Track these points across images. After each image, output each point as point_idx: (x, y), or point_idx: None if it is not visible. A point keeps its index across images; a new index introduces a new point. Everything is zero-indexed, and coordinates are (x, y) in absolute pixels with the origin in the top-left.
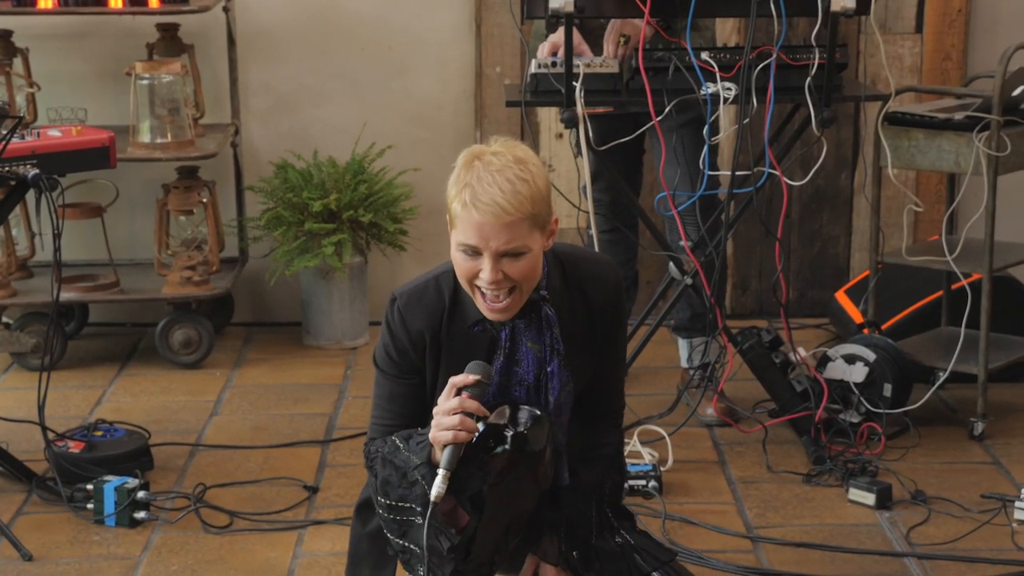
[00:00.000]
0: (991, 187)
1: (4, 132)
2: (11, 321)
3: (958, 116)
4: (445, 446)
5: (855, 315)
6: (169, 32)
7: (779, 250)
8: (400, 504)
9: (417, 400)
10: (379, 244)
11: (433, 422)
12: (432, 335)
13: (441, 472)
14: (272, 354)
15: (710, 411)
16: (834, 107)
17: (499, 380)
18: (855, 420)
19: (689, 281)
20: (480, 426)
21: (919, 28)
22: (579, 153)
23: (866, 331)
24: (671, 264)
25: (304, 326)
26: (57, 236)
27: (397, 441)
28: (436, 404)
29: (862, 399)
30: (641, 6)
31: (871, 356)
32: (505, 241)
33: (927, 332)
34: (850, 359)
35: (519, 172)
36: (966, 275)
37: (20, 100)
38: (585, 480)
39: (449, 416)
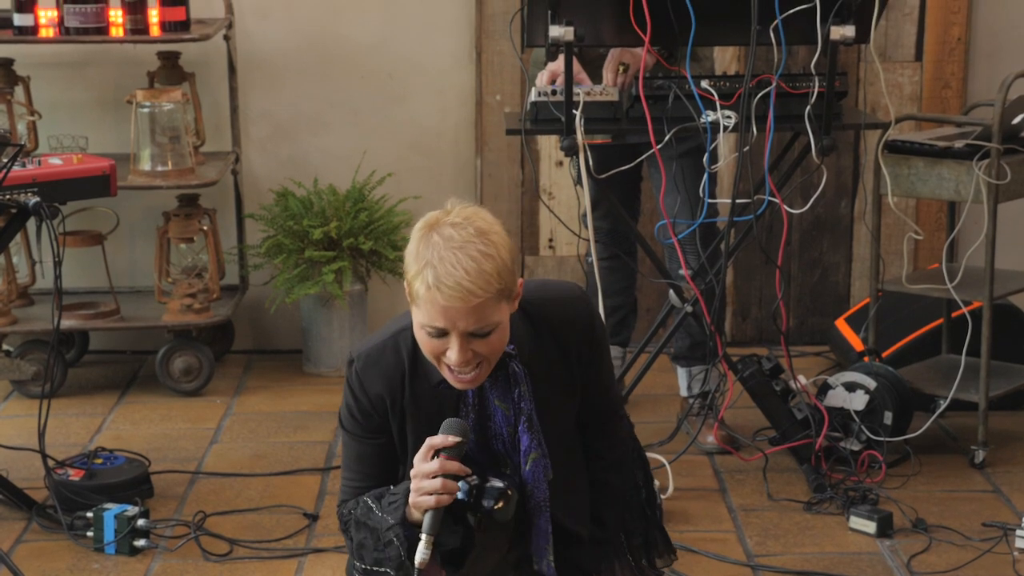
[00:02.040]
0: (991, 215)
1: (5, 160)
2: (11, 348)
3: (958, 144)
4: (426, 510)
5: (855, 343)
6: (170, 60)
7: (779, 278)
8: (375, 569)
9: (386, 460)
10: (379, 272)
11: (412, 486)
12: (392, 399)
13: (424, 537)
14: (272, 382)
15: (711, 439)
16: (834, 135)
17: (475, 437)
18: (856, 448)
19: (689, 309)
20: (461, 485)
21: (919, 56)
22: (579, 182)
23: (867, 359)
24: (671, 292)
25: (304, 353)
26: (58, 264)
27: (369, 502)
28: (409, 464)
29: (863, 427)
30: (641, 35)
31: (872, 384)
32: (474, 322)
33: (928, 360)
34: (850, 387)
35: (483, 248)
36: (967, 303)
37: (21, 128)
38: (614, 489)
39: (430, 480)
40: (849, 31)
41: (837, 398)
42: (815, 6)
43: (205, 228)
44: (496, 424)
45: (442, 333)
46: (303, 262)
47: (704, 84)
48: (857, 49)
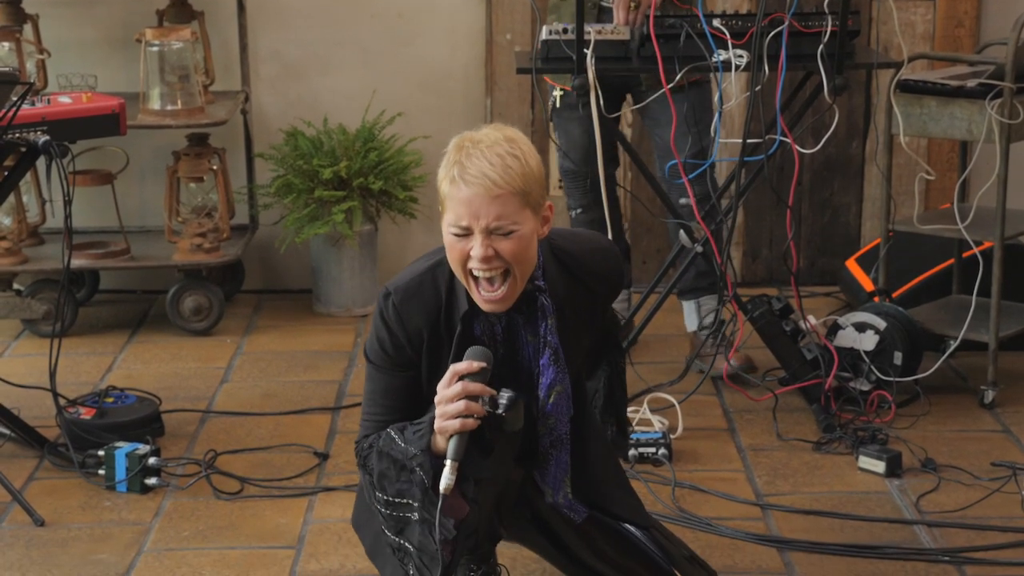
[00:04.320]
0: (1003, 155)
1: (14, 99)
2: (22, 288)
3: (971, 83)
4: (451, 436)
5: (866, 283)
6: None
7: (790, 218)
8: (397, 500)
9: (412, 394)
10: (389, 212)
11: (437, 412)
12: (431, 332)
13: (449, 463)
14: (282, 321)
15: (733, 362)
16: (846, 74)
17: (502, 371)
18: (865, 388)
19: (699, 249)
20: (486, 408)
21: None
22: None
23: (877, 299)
24: (681, 232)
25: (314, 293)
26: (68, 203)
27: (392, 433)
28: (434, 394)
29: (872, 367)
30: None
31: (882, 324)
32: (495, 216)
33: (938, 300)
34: (861, 327)
35: (509, 149)
36: (977, 243)
37: (30, 67)
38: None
39: (454, 403)
40: None
41: (847, 338)
42: None
43: (215, 167)
44: (524, 358)
45: (466, 232)
46: (313, 202)
47: (716, 23)
48: None
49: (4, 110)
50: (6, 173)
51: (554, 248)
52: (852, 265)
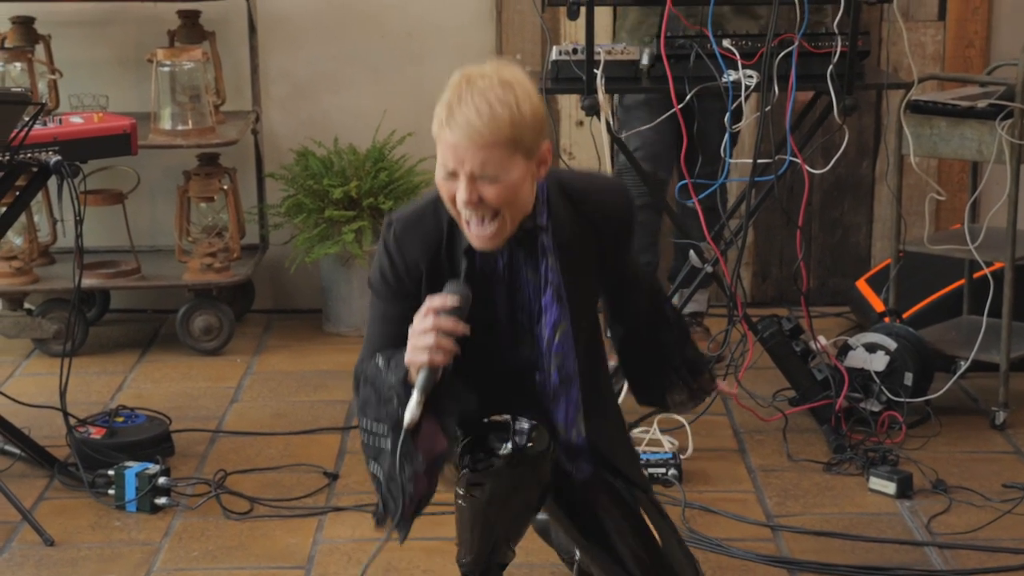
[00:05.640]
0: (1014, 175)
1: (26, 119)
2: (33, 307)
3: (981, 104)
4: (420, 369)
5: (876, 303)
6: (190, 19)
7: (800, 238)
8: (374, 427)
9: (409, 324)
10: None
11: (409, 344)
12: (429, 264)
13: (415, 397)
14: (292, 341)
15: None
16: (856, 95)
17: (504, 306)
18: (876, 409)
19: (710, 269)
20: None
21: (942, 15)
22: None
23: (887, 320)
24: (691, 253)
25: (324, 313)
26: (79, 222)
27: (379, 361)
28: None
29: (883, 388)
30: None
31: (892, 345)
32: (480, 164)
33: (949, 321)
34: (871, 348)
35: (501, 95)
36: (988, 263)
37: (42, 87)
38: (640, 337)
39: (424, 337)
40: None
41: (857, 359)
42: None
43: (225, 187)
44: (524, 297)
45: (453, 175)
46: (323, 221)
47: (726, 43)
48: (880, 8)
49: (16, 130)
50: (17, 193)
51: (562, 184)
52: (862, 285)
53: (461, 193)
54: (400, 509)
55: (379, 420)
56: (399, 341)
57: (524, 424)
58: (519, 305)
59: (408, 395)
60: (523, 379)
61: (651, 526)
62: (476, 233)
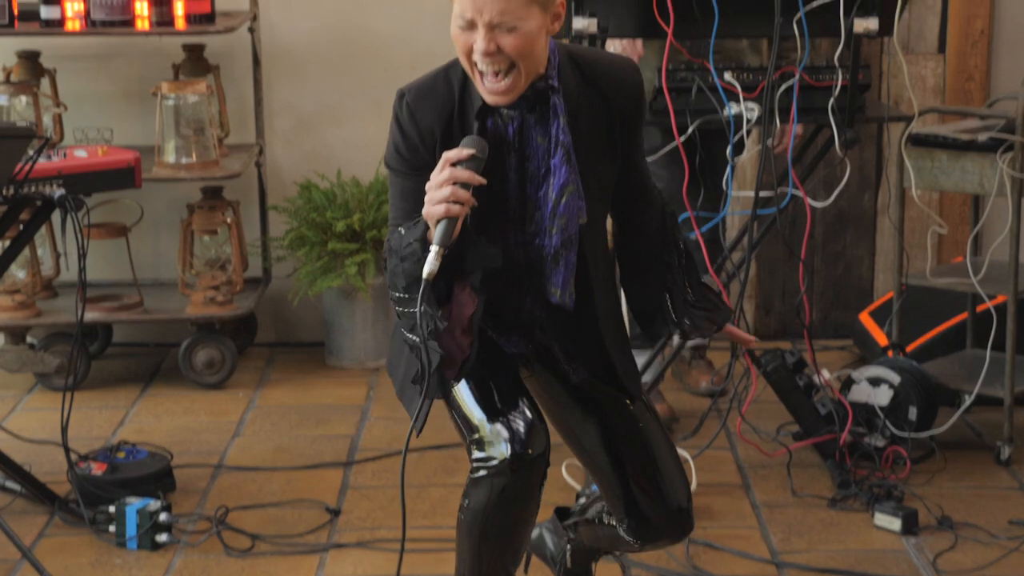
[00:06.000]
0: (1016, 208)
1: (31, 153)
2: (35, 341)
3: (982, 137)
4: (439, 221)
5: (879, 337)
6: (195, 52)
7: (803, 271)
8: (406, 295)
9: None
10: None
11: (426, 198)
12: (443, 130)
13: (433, 249)
14: (295, 375)
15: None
16: (857, 128)
17: (515, 176)
18: (880, 444)
19: None
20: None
21: (942, 49)
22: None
23: (891, 353)
24: None
25: (327, 346)
26: (82, 256)
27: (401, 230)
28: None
29: (887, 422)
30: (665, 27)
31: (896, 379)
32: (499, 12)
33: (953, 354)
34: (875, 381)
35: None
36: (991, 297)
37: (47, 120)
38: (646, 257)
39: (440, 189)
40: (872, 24)
41: (861, 393)
42: None
43: (229, 220)
44: (533, 166)
45: (471, 26)
46: (326, 254)
47: (727, 76)
48: (880, 41)
49: (21, 164)
50: (21, 227)
51: (571, 53)
52: (865, 318)
53: (479, 43)
54: (429, 370)
55: (408, 288)
56: (418, 215)
57: (520, 424)
58: (529, 176)
59: (427, 250)
60: (529, 260)
61: (648, 439)
62: (490, 87)
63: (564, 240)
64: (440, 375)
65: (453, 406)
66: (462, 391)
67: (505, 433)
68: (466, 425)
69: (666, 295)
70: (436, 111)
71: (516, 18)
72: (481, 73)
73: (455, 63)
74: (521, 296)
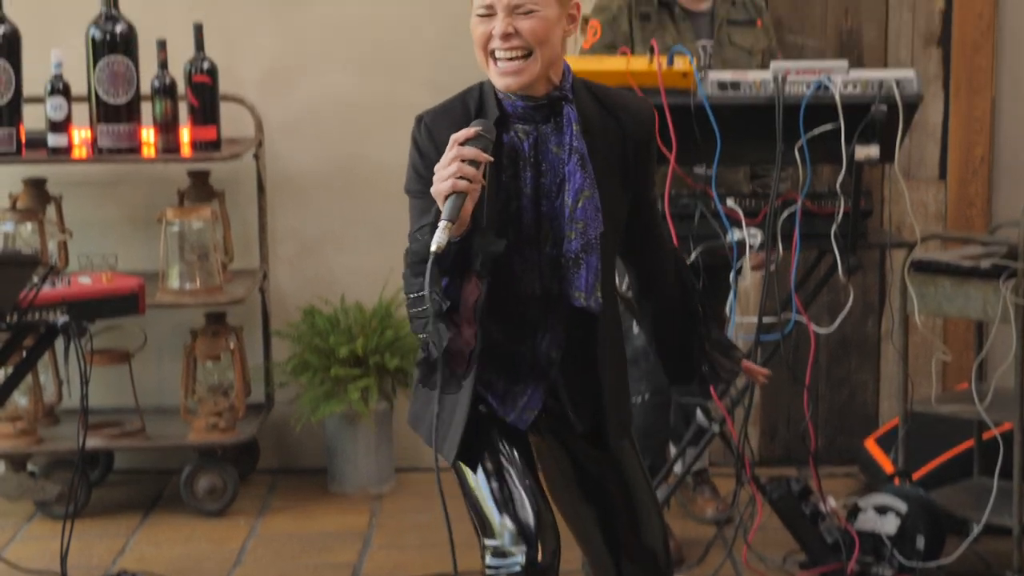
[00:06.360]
0: (1020, 335)
1: (35, 280)
2: (36, 469)
3: (984, 264)
4: (446, 198)
5: (885, 463)
6: (200, 178)
7: (807, 397)
8: (417, 294)
9: None
10: (405, 389)
11: (434, 178)
12: None
13: (442, 223)
14: (297, 501)
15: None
16: (860, 254)
17: (530, 194)
18: (888, 573)
19: (716, 429)
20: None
21: (943, 175)
22: None
23: (897, 480)
24: (699, 412)
25: (329, 472)
26: (85, 383)
27: (417, 235)
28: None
29: (895, 552)
30: (667, 153)
31: (903, 507)
32: None
33: (960, 482)
34: (882, 510)
35: None
36: (997, 424)
37: (52, 247)
38: (666, 304)
39: (447, 167)
40: (874, 151)
41: (868, 521)
42: (840, 127)
43: (232, 346)
44: (548, 180)
45: (489, 12)
46: (329, 380)
47: (730, 202)
48: (881, 167)
49: (25, 291)
50: (24, 353)
51: (588, 83)
52: (871, 445)
53: (498, 27)
54: (439, 350)
55: (419, 286)
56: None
57: (532, 523)
58: (544, 192)
59: (435, 228)
60: (545, 287)
61: (631, 490)
62: (503, 68)
63: (584, 244)
64: (450, 370)
65: (469, 497)
66: (480, 483)
67: (522, 545)
68: (482, 525)
69: (695, 342)
70: (453, 128)
71: (534, 3)
72: (496, 60)
73: (471, 89)
74: (536, 340)
